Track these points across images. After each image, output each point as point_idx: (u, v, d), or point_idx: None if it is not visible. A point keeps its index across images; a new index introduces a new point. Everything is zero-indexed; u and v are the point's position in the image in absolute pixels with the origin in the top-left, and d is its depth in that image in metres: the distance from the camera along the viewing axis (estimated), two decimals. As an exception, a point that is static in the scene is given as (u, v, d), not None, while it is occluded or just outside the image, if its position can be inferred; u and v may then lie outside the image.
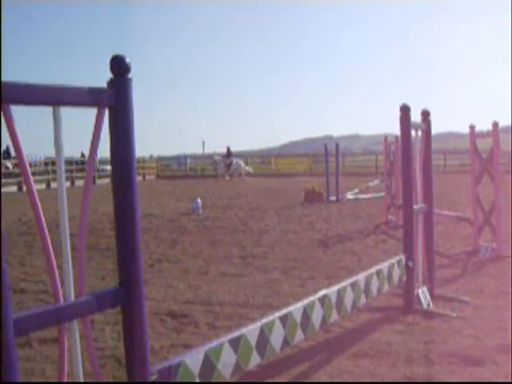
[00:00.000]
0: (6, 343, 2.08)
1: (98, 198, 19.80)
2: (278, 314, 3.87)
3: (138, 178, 35.76)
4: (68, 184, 30.43)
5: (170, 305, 6.49)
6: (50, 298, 7.01)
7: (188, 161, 51.74)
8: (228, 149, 38.36)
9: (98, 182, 35.36)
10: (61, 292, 2.31)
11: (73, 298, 2.37)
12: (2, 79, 2.08)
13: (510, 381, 4.20)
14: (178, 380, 2.97)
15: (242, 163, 38.29)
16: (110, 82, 2.52)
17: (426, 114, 6.26)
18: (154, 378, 2.78)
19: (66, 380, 2.39)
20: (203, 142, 77.39)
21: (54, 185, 29.72)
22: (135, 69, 2.59)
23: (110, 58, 2.53)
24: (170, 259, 9.43)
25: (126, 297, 2.54)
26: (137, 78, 2.60)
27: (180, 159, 52.70)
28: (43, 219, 2.23)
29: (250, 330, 3.58)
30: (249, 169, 39.61)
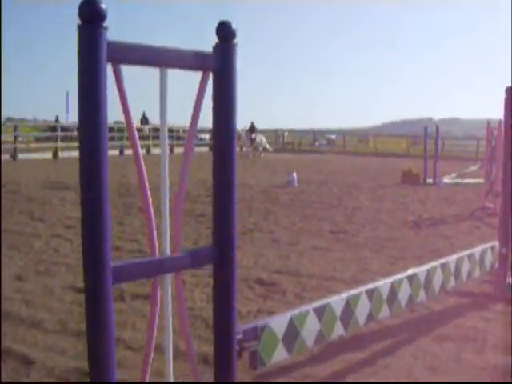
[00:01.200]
0: (104, 288, 2.21)
1: (194, 167, 20.17)
2: (364, 288, 3.89)
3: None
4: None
5: (260, 272, 6.62)
6: (143, 257, 7.28)
7: (286, 134, 51.81)
8: (252, 124, 37.34)
9: (196, 149, 35.98)
10: (157, 247, 2.42)
11: (168, 253, 2.47)
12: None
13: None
14: (262, 341, 3.06)
15: (264, 140, 37.01)
16: (216, 47, 2.59)
17: (532, 98, 6.04)
18: (239, 336, 2.87)
19: (155, 333, 2.51)
20: (306, 117, 77.38)
21: (154, 151, 30.35)
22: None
23: (217, 24, 2.59)
24: (263, 229, 9.57)
25: (218, 255, 2.63)
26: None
27: (277, 133, 52.83)
28: (145, 177, 2.34)
29: (336, 301, 3.62)
30: (269, 147, 38.57)
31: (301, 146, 48.44)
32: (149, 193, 2.35)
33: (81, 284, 6.02)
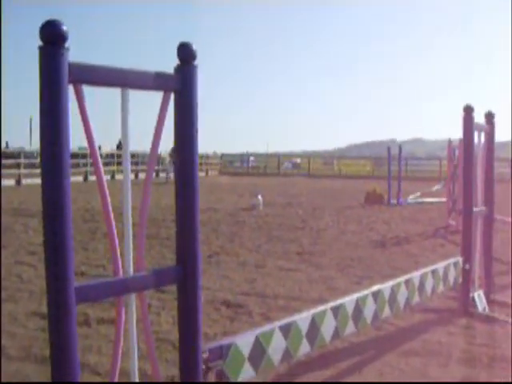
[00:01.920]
0: (68, 308, 2.21)
1: (161, 192, 20.11)
2: (330, 305, 3.92)
3: (201, 174, 35.94)
4: (132, 176, 30.88)
5: (226, 295, 6.61)
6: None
7: (251, 159, 52.05)
8: (173, 147, 36.12)
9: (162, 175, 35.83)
10: (120, 267, 2.43)
11: (132, 272, 2.48)
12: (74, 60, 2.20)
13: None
14: (227, 360, 3.06)
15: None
16: (177, 68, 2.63)
17: (490, 117, 6.19)
18: (204, 355, 2.87)
19: (120, 354, 2.50)
20: (267, 143, 77.86)
21: (118, 176, 30.18)
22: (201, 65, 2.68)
23: (177, 45, 2.63)
24: (229, 252, 9.56)
25: (182, 275, 2.64)
26: (202, 74, 2.69)
27: (243, 157, 53.04)
28: (109, 202, 2.36)
29: (302, 318, 3.64)
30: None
31: (266, 169, 48.64)
32: (111, 214, 2.36)
33: (45, 310, 5.95)
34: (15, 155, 33.20)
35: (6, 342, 5.12)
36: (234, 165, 52.86)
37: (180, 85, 2.59)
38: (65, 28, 2.17)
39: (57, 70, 2.15)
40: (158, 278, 2.59)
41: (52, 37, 2.16)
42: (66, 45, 2.18)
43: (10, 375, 4.46)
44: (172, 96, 2.59)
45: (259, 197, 16.82)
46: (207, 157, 47.23)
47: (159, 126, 2.54)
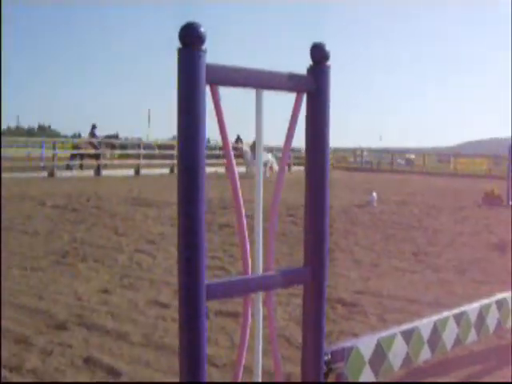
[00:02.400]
0: (198, 305, 2.26)
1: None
2: (452, 312, 3.82)
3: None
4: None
5: (341, 293, 6.57)
6: (224, 275, 7.35)
7: (364, 153, 51.50)
8: (238, 137, 33.77)
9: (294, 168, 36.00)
10: (250, 265, 2.45)
11: (261, 272, 2.50)
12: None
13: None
14: (349, 363, 3.04)
15: (270, 158, 29.78)
16: (310, 69, 2.62)
17: None
18: (327, 357, 2.87)
19: (245, 351, 2.53)
20: (380, 136, 76.70)
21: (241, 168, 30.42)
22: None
23: (310, 46, 2.62)
24: (343, 249, 9.51)
25: (309, 276, 2.64)
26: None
27: (356, 152, 52.58)
28: (241, 198, 2.38)
29: (424, 325, 3.56)
30: (275, 165, 29.78)
31: (380, 165, 47.98)
32: (243, 211, 2.39)
33: (164, 299, 6.21)
34: (135, 146, 34.29)
35: (128, 327, 5.33)
36: (347, 160, 52.41)
37: (313, 86, 2.58)
38: (203, 30, 2.21)
39: (195, 72, 2.19)
40: (286, 278, 2.60)
41: (190, 39, 2.19)
42: (204, 47, 2.22)
43: (131, 360, 4.64)
44: (304, 96, 2.59)
45: (374, 194, 16.62)
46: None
47: (292, 125, 2.54)
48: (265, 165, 28.35)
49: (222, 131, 2.34)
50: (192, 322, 2.28)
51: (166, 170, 30.28)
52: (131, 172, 28.78)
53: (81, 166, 29.09)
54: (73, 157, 29.91)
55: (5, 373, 4.36)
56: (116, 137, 33.24)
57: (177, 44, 2.22)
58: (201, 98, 2.19)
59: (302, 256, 2.66)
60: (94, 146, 29.45)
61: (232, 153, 2.38)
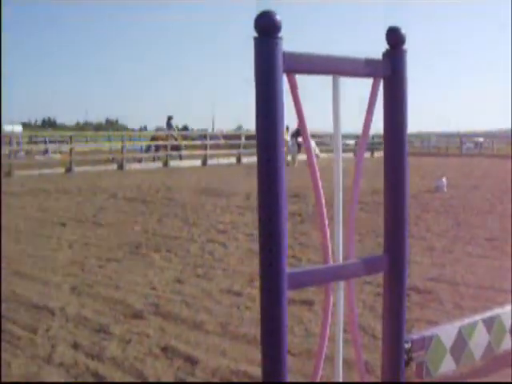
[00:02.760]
0: (279, 294, 2.26)
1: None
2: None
3: (379, 155, 35.39)
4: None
5: (415, 280, 6.48)
6: (296, 262, 7.34)
7: (432, 138, 50.61)
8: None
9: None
10: (330, 254, 2.43)
11: (341, 260, 2.49)
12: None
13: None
14: (429, 352, 3.00)
15: (313, 145, 25.90)
16: (386, 53, 2.58)
17: None
18: (407, 346, 2.83)
19: (326, 340, 2.52)
20: (448, 120, 75.09)
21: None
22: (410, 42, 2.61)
23: (386, 30, 2.58)
24: (414, 235, 9.37)
25: (389, 264, 2.61)
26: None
27: (423, 136, 51.75)
28: (320, 187, 2.37)
29: (506, 313, 3.48)
30: (318, 152, 27.81)
31: (448, 149, 47.05)
32: (323, 200, 2.38)
33: (238, 288, 6.26)
34: (201, 137, 34.59)
35: (204, 316, 5.39)
36: (414, 145, 51.56)
37: (389, 71, 2.54)
38: (278, 18, 2.19)
39: (272, 60, 2.18)
40: (367, 266, 2.57)
41: (266, 27, 2.18)
42: (280, 34, 2.21)
43: (207, 349, 4.69)
44: (381, 82, 2.55)
45: (443, 179, 16.32)
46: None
47: (369, 111, 2.51)
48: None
49: (300, 119, 2.33)
50: (273, 311, 2.29)
51: (232, 160, 30.45)
52: (198, 163, 29.05)
53: (155, 158, 29.55)
54: (149, 148, 30.44)
55: (86, 360, 4.49)
56: (186, 129, 33.68)
57: (248, 33, 2.21)
58: (278, 87, 2.18)
59: (372, 243, 2.64)
60: (174, 138, 29.98)
61: (311, 141, 2.36)
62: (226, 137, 38.53)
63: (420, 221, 10.98)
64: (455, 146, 47.86)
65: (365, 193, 13.65)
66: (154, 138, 30.72)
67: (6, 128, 44.06)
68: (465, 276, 6.81)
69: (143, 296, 6.05)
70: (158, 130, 35.58)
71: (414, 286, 6.26)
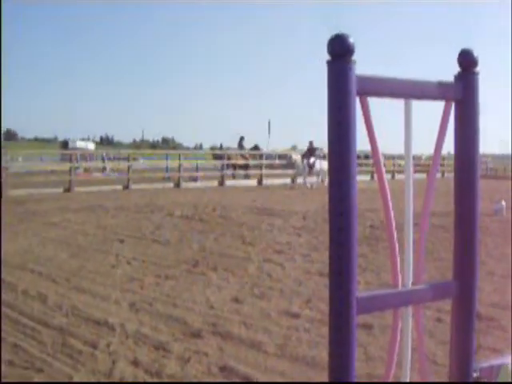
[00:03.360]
0: (348, 319, 2.24)
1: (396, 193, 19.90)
2: None
3: (437, 176, 34.92)
4: (368, 177, 30.95)
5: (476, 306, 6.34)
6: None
7: (488, 160, 49.73)
8: (311, 144, 29.19)
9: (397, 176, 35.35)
10: (400, 278, 2.41)
11: (410, 285, 2.45)
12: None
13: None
14: (498, 380, 2.93)
15: (325, 166, 24.64)
16: (458, 76, 2.55)
17: None
18: (475, 375, 2.77)
19: (394, 364, 2.49)
20: (501, 141, 73.65)
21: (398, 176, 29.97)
22: (483, 64, 2.58)
23: (458, 52, 2.56)
24: (475, 260, 9.19)
25: (458, 290, 2.56)
26: (483, 74, 2.60)
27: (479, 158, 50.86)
28: (391, 209, 2.35)
29: None
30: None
31: (505, 171, 46.13)
32: (393, 223, 2.35)
33: (296, 309, 6.24)
34: (256, 156, 34.72)
35: (262, 337, 5.38)
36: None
37: (461, 94, 2.51)
38: (352, 41, 2.20)
39: (345, 84, 2.18)
40: (435, 291, 2.53)
41: (340, 51, 2.19)
42: (353, 58, 2.21)
43: (266, 370, 4.68)
44: (453, 104, 2.52)
45: (503, 202, 16.00)
46: (443, 158, 45.84)
47: (441, 134, 2.48)
48: (318, 174, 27.77)
49: (372, 143, 2.32)
50: (342, 335, 2.26)
51: (287, 180, 30.43)
52: (254, 182, 29.12)
53: (234, 176, 30.72)
54: (225, 167, 31.07)
55: (145, 377, 4.53)
56: (257, 148, 34.36)
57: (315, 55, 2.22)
58: (351, 110, 2.18)
59: (432, 266, 2.59)
60: (245, 158, 30.89)
61: (382, 163, 2.35)
62: (281, 156, 38.59)
63: (480, 245, 10.72)
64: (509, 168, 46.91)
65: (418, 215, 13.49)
66: (228, 158, 31.21)
67: (79, 144, 46.14)
68: (527, 302, 6.64)
69: (201, 314, 6.11)
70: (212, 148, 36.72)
71: (476, 312, 6.13)
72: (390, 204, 2.35)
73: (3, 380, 4.41)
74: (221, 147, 39.32)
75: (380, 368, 2.55)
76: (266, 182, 29.32)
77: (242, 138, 32.50)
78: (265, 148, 40.94)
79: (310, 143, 29.59)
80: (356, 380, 3.63)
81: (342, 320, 2.25)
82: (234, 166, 30.87)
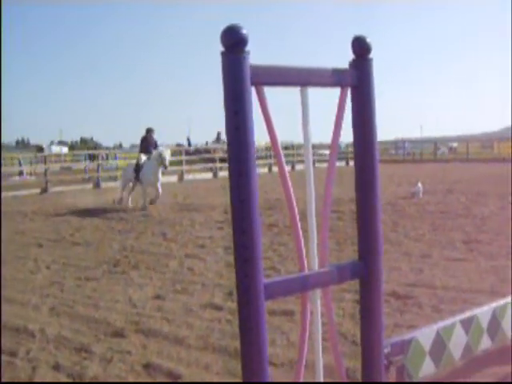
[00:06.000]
0: (256, 305, 2.28)
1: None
2: (510, 299, 3.76)
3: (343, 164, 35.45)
4: (288, 168, 31.18)
5: (394, 286, 6.53)
6: (275, 274, 7.36)
7: (406, 145, 50.99)
8: (218, 135, 31.36)
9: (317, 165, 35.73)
10: (305, 262, 2.46)
11: (316, 268, 2.51)
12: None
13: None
14: (409, 355, 3.03)
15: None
16: (352, 63, 2.62)
17: None
18: (386, 350, 2.86)
19: (306, 348, 2.54)
20: (421, 126, 75.83)
21: (275, 168, 30.51)
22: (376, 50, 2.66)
23: (351, 39, 2.62)
24: (392, 242, 9.44)
25: (364, 270, 2.64)
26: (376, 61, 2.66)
27: (398, 144, 52.14)
28: (293, 197, 2.40)
29: (483, 312, 3.52)
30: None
31: (422, 155, 47.41)
32: (296, 210, 2.40)
33: (218, 302, 6.26)
34: (177, 152, 34.66)
35: (185, 332, 5.38)
36: (389, 152, 51.93)
37: (356, 80, 2.58)
38: (245, 32, 2.22)
39: (240, 74, 2.21)
40: (342, 273, 2.60)
41: (233, 42, 2.21)
42: (247, 48, 2.23)
43: (190, 364, 4.68)
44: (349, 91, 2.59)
45: (419, 184, 16.46)
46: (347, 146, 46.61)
47: (338, 121, 2.54)
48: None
49: (270, 132, 2.35)
50: (252, 322, 2.30)
51: (209, 175, 30.45)
52: (174, 178, 28.94)
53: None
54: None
55: (68, 381, 4.46)
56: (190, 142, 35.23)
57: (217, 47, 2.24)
58: (247, 100, 2.21)
59: (350, 251, 2.67)
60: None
61: (282, 153, 2.39)
62: (201, 151, 38.65)
63: (397, 227, 11.06)
64: (429, 152, 48.28)
65: (342, 201, 13.76)
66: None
67: (54, 149, 46.16)
68: (443, 279, 6.87)
69: (123, 314, 6.04)
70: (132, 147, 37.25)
71: (393, 291, 6.31)
72: (292, 193, 2.40)
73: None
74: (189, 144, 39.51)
75: (309, 355, 2.59)
76: (188, 177, 29.22)
77: (219, 133, 32.64)
78: (185, 142, 40.89)
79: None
80: (271, 366, 3.66)
81: (250, 307, 2.28)
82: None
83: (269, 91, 2.38)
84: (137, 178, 15.87)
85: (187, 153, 33.03)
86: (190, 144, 34.85)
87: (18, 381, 4.49)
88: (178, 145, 38.97)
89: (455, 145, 56.69)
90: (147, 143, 16.85)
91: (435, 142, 52.17)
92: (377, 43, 2.58)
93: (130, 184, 16.61)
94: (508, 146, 47.87)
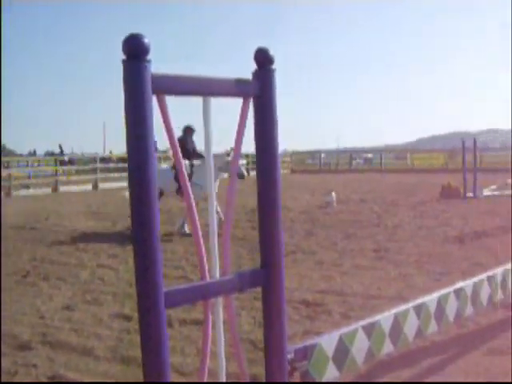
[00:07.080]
0: (157, 313, 2.27)
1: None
2: (412, 304, 3.88)
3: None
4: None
5: (304, 294, 6.63)
6: (187, 283, 7.34)
7: (322, 155, 51.76)
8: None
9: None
10: (207, 271, 2.48)
11: (218, 276, 2.53)
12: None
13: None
14: (312, 361, 3.08)
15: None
16: (255, 73, 2.66)
17: None
18: (290, 356, 2.90)
19: (208, 356, 2.56)
20: (337, 137, 77.32)
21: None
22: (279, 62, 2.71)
23: (254, 50, 2.66)
24: (304, 250, 9.58)
25: (266, 278, 2.68)
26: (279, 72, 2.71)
27: (314, 154, 52.87)
28: (194, 207, 2.42)
29: (385, 318, 3.62)
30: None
31: (338, 166, 48.23)
32: (197, 219, 2.42)
33: (128, 312, 6.18)
34: (91, 161, 34.15)
35: (93, 343, 5.30)
36: (305, 162, 52.64)
37: (258, 90, 2.62)
38: (146, 41, 2.23)
39: (140, 82, 2.21)
40: (244, 281, 2.63)
41: (134, 50, 2.21)
42: (148, 57, 2.24)
43: (97, 375, 4.62)
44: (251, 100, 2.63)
45: (333, 194, 16.74)
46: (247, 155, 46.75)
47: (240, 131, 2.58)
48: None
49: (170, 140, 2.36)
50: (152, 330, 2.29)
51: (125, 183, 29.99)
52: (89, 187, 28.46)
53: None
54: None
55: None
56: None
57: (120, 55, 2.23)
58: (147, 109, 2.21)
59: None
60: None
61: (183, 162, 2.40)
62: (119, 159, 38.09)
63: (310, 236, 11.23)
64: (345, 163, 49.17)
65: (255, 210, 13.83)
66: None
67: None
68: (353, 287, 7.02)
69: (31, 326, 5.89)
70: (47, 154, 36.55)
71: (303, 299, 6.40)
72: (193, 204, 2.42)
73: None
74: (61, 152, 38.47)
75: (212, 361, 2.59)
76: (103, 185, 28.74)
77: (60, 146, 32.57)
78: (100, 152, 40.21)
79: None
80: (179, 375, 3.66)
81: (151, 315, 2.28)
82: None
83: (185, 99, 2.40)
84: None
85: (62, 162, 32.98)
86: (62, 152, 34.93)
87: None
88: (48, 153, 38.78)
89: (370, 156, 57.95)
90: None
91: (350, 153, 53.23)
92: (293, 54, 2.63)
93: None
94: (419, 157, 49.51)
